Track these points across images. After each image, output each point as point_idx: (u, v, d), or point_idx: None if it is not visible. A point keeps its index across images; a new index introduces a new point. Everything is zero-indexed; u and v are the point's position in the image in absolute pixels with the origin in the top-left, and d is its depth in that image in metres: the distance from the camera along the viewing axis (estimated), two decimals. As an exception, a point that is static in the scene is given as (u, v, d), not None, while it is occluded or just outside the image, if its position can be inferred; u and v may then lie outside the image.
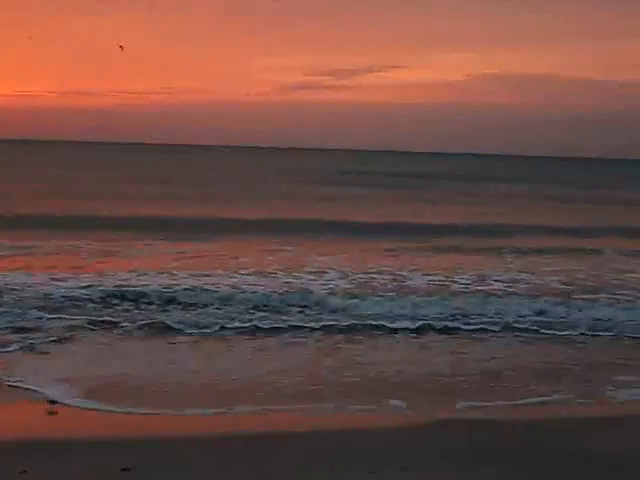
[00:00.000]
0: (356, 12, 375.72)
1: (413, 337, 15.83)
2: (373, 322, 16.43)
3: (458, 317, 16.96)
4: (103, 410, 10.78)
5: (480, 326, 16.45)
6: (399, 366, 13.72)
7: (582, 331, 16.47)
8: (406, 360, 14.22)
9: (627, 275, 22.59)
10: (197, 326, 15.71)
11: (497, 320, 16.81)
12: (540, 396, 12.35)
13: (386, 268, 22.04)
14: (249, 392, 11.92)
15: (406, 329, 16.15)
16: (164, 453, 9.09)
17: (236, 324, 15.89)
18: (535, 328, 16.53)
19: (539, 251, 26.13)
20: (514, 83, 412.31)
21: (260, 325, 15.94)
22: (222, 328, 15.72)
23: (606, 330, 16.63)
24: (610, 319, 17.17)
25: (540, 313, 17.36)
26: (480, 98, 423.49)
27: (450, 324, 16.55)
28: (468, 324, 16.61)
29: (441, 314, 17.00)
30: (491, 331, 16.32)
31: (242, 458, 9.01)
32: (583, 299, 18.87)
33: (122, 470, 8.37)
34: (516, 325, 16.59)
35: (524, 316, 17.10)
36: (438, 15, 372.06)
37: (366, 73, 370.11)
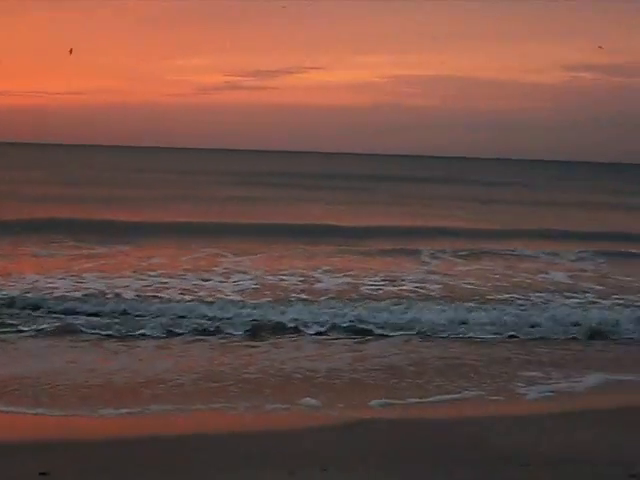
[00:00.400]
0: (276, 14, 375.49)
1: (318, 337, 16.05)
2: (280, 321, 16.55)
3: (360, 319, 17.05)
4: (16, 413, 10.69)
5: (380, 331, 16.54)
6: (307, 365, 13.87)
7: (482, 331, 16.70)
8: (313, 359, 14.38)
9: (540, 276, 22.90)
10: (101, 328, 15.64)
11: (398, 321, 16.96)
12: (449, 393, 12.57)
13: (298, 270, 22.07)
14: (161, 392, 11.92)
15: (312, 329, 16.35)
16: (82, 456, 9.02)
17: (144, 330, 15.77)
18: (441, 329, 16.72)
19: (456, 253, 26.33)
20: (432, 85, 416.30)
21: (173, 329, 15.89)
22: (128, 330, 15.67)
23: (513, 330, 16.88)
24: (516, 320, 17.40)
25: (443, 312, 17.47)
26: (398, 99, 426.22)
27: (351, 325, 16.72)
28: (374, 324, 16.83)
29: (344, 315, 17.09)
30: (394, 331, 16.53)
31: (159, 460, 8.99)
32: (495, 300, 19.11)
33: (40, 474, 8.29)
34: (423, 329, 16.65)
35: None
36: (357, 17, 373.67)
37: (286, 74, 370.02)
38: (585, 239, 30.22)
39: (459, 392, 12.66)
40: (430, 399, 12.21)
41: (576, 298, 19.79)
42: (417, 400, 12.07)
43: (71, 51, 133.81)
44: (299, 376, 13.19)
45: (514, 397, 12.54)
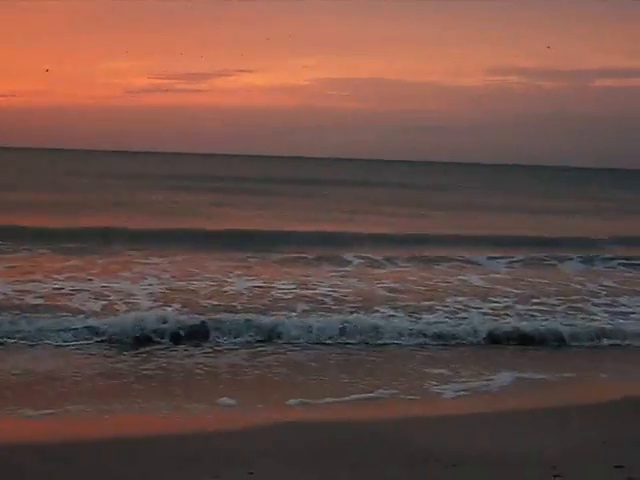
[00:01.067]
0: (206, 16, 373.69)
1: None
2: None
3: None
4: None
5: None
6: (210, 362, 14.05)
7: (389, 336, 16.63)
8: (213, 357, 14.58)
9: (459, 281, 22.88)
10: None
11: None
12: (364, 392, 12.65)
13: (210, 275, 21.81)
14: (71, 393, 11.87)
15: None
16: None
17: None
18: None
19: (377, 260, 26.10)
20: (360, 87, 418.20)
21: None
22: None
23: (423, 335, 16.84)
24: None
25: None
26: (327, 102, 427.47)
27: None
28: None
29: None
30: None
31: (81, 464, 8.86)
32: (407, 306, 19.02)
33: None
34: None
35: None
36: (286, 20, 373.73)
37: (217, 77, 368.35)
38: (505, 244, 30.11)
39: (373, 391, 12.72)
40: (346, 398, 12.25)
41: (492, 303, 19.83)
42: (334, 399, 12.11)
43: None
44: (208, 376, 13.28)
45: (431, 396, 12.62)
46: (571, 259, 27.58)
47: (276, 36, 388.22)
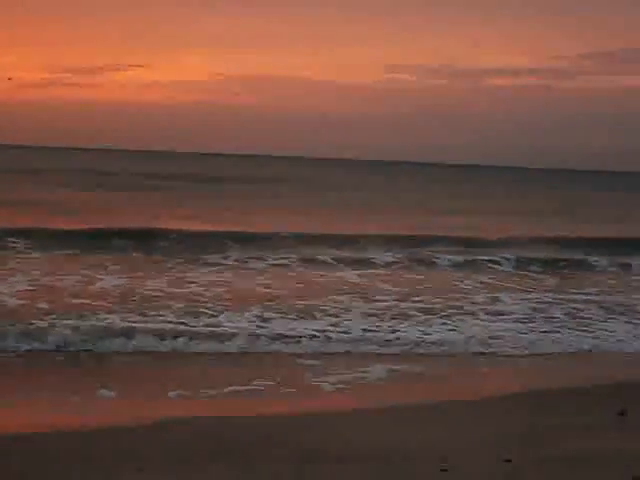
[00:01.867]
0: (98, 9, 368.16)
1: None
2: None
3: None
4: None
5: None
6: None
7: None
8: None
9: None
10: None
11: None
12: (240, 385, 12.45)
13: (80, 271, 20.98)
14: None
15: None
16: None
17: None
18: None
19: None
20: (257, 84, 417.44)
21: None
22: None
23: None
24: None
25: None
26: (221, 98, 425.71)
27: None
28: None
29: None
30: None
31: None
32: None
33: None
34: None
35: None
36: (180, 15, 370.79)
37: (108, 72, 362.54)
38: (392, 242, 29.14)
39: (249, 383, 12.56)
40: (224, 390, 12.08)
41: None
42: (213, 392, 11.95)
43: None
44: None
45: (310, 389, 12.47)
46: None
47: (170, 31, 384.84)
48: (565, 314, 18.65)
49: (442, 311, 18.29)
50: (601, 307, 19.69)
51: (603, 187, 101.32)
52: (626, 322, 17.94)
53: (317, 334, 15.80)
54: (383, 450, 9.24)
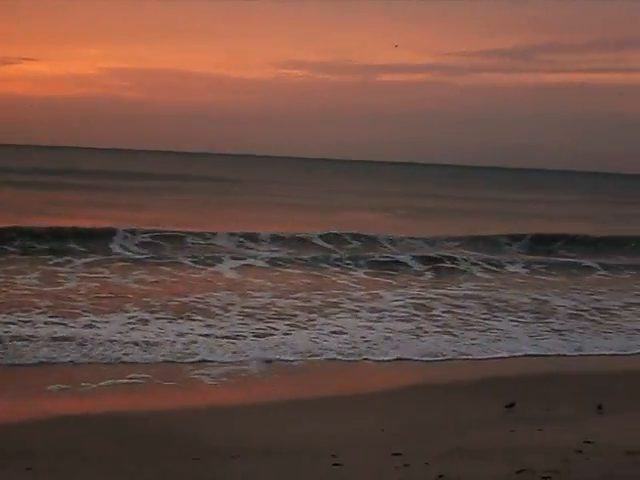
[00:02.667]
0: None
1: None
2: None
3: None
4: None
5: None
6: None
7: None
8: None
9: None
10: None
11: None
12: (117, 378, 12.16)
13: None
14: None
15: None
16: None
17: None
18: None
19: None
20: (145, 78, 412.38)
21: None
22: None
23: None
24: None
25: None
26: (111, 92, 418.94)
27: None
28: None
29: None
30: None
31: None
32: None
33: None
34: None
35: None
36: (68, 8, 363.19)
37: (1, 65, 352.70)
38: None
39: (125, 376, 12.27)
40: (102, 383, 11.77)
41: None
42: (92, 385, 11.62)
43: None
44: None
45: (192, 383, 12.23)
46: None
47: (62, 25, 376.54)
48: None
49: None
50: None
51: (485, 183, 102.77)
52: (511, 321, 17.94)
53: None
54: (275, 445, 9.16)
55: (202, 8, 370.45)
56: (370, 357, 14.17)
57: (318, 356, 14.09)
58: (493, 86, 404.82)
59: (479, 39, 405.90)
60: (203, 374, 12.58)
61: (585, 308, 19.58)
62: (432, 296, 20.19)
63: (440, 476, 7.76)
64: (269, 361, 13.52)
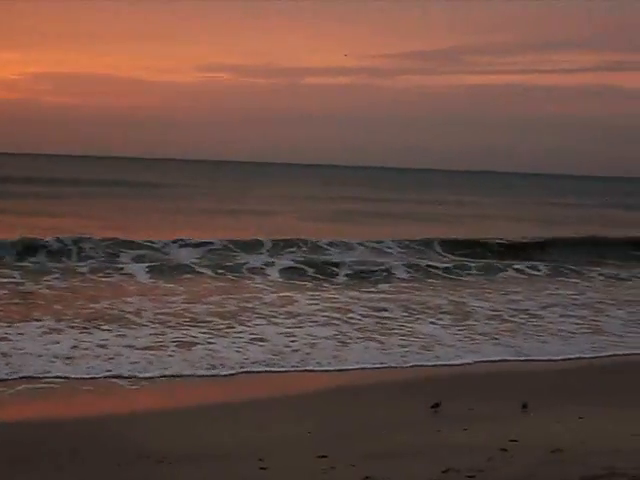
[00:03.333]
0: None
1: None
2: None
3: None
4: None
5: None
6: None
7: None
8: None
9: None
10: None
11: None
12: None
13: None
14: None
15: None
16: None
17: None
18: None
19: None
20: (68, 82, 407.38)
21: None
22: None
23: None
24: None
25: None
26: (33, 97, 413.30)
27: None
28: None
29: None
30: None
31: None
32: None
33: None
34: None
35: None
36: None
37: None
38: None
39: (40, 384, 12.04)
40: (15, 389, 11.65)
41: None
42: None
43: None
44: None
45: (113, 388, 12.10)
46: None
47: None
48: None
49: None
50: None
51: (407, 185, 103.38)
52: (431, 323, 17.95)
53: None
54: (201, 451, 9.10)
55: (126, 12, 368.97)
56: (296, 365, 13.91)
57: (245, 367, 13.57)
58: (418, 88, 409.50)
59: (404, 41, 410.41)
60: (127, 382, 12.36)
61: (501, 309, 19.70)
62: (348, 299, 20.15)
63: (366, 477, 7.78)
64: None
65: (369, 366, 14.05)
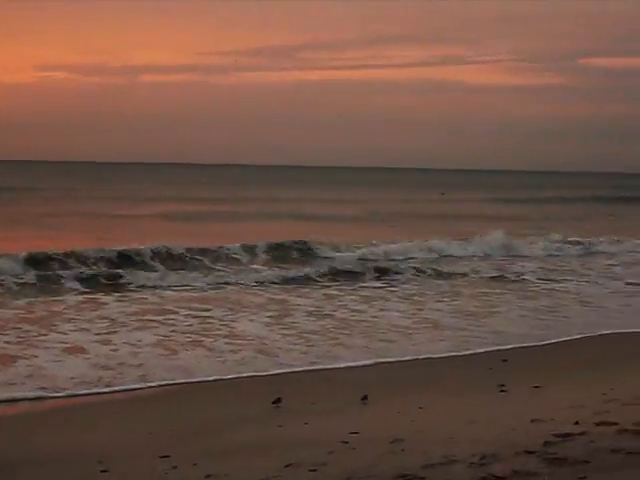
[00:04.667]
0: None
1: None
2: None
3: None
4: None
5: None
6: None
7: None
8: None
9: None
10: None
11: None
12: None
13: None
14: None
15: None
16: None
17: None
18: None
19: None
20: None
21: None
22: None
23: None
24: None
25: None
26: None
27: None
28: None
29: None
30: None
31: None
32: None
33: None
34: None
35: None
36: None
37: None
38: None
39: None
40: None
41: None
42: None
43: None
44: None
45: None
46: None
47: None
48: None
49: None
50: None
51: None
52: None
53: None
54: (38, 455, 8.92)
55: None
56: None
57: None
58: (254, 85, 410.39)
59: (238, 38, 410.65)
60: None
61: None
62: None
63: (208, 475, 7.72)
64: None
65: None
